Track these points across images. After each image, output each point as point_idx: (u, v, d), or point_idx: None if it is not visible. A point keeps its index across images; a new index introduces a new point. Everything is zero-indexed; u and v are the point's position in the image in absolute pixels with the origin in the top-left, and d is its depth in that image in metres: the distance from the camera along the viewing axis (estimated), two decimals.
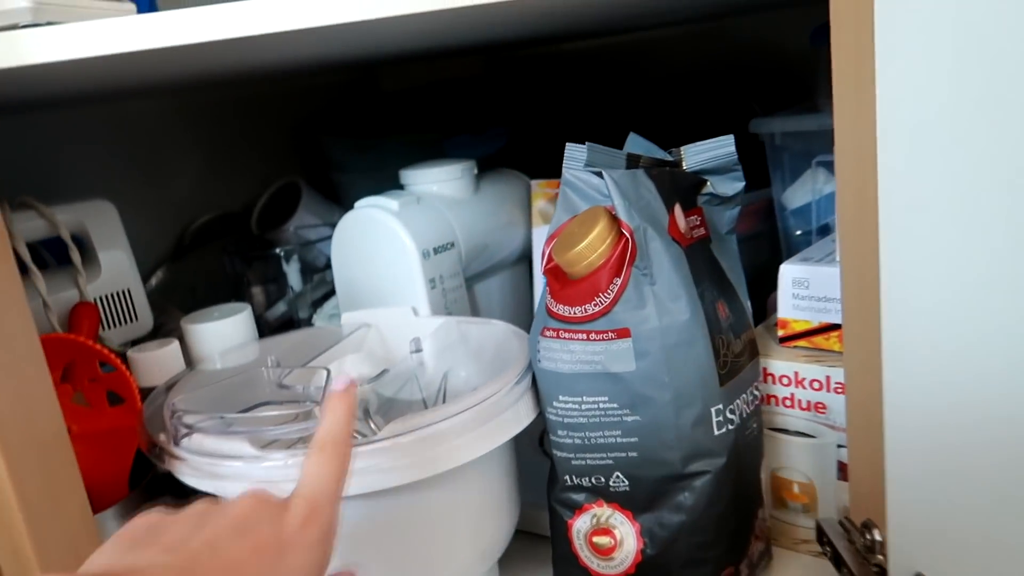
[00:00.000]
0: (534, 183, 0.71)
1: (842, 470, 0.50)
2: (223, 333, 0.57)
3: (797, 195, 0.70)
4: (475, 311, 0.68)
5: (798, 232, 0.70)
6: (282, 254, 0.74)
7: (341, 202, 0.95)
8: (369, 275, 0.62)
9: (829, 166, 0.67)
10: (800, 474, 0.52)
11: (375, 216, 0.61)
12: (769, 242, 0.81)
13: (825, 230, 0.68)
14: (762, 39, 0.89)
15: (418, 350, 0.55)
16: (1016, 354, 0.35)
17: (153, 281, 0.87)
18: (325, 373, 0.45)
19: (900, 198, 0.37)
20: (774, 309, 0.58)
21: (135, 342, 0.61)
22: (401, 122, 1.02)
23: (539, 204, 0.71)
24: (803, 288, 0.51)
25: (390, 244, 0.60)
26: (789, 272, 0.51)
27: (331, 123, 1.02)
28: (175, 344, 0.55)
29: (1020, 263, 0.34)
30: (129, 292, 0.61)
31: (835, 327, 0.50)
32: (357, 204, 0.63)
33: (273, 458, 0.40)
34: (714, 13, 0.80)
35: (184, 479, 0.41)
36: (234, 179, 0.97)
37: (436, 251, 0.61)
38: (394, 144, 0.93)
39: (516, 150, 0.95)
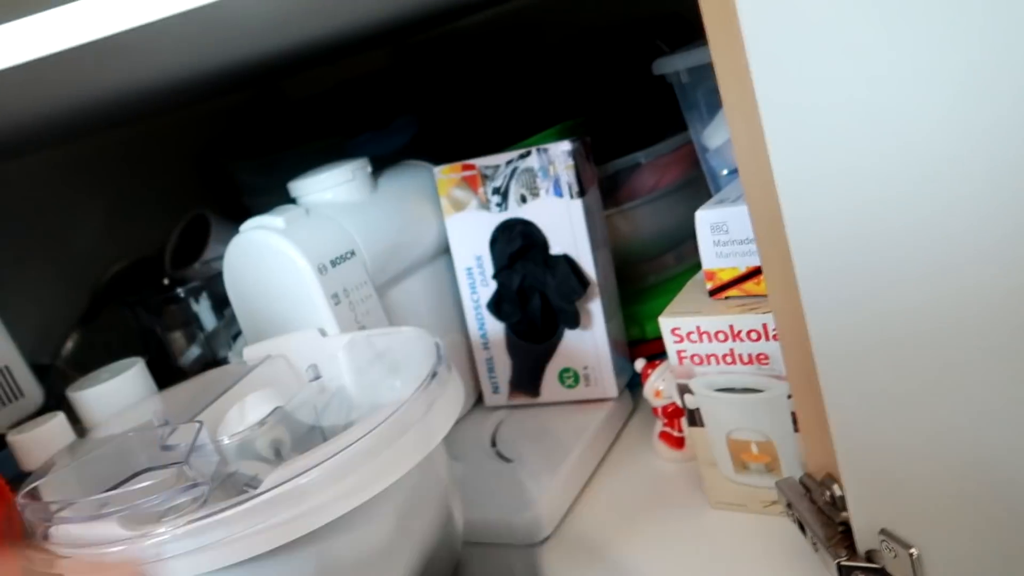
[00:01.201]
0: (436, 170, 0.66)
1: (797, 420, 0.45)
2: (114, 394, 0.52)
3: (717, 133, 0.65)
4: (397, 318, 0.63)
5: (724, 172, 0.65)
6: (183, 294, 0.69)
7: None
8: (268, 301, 0.57)
9: None
10: (756, 433, 0.47)
11: (260, 238, 0.55)
12: (702, 193, 0.76)
13: None
14: None
15: (316, 377, 0.50)
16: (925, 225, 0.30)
17: (70, 345, 0.81)
18: (196, 427, 0.40)
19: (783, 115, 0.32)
20: None
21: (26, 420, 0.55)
22: (307, 132, 0.96)
23: (448, 191, 0.66)
24: (723, 233, 0.46)
25: (281, 265, 0.55)
26: (705, 218, 0.46)
27: (235, 145, 0.96)
28: (59, 418, 0.50)
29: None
30: (8, 369, 0.56)
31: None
32: (241, 228, 0.57)
33: (157, 534, 0.35)
34: None
35: None
36: (143, 221, 0.92)
37: (335, 263, 0.56)
38: (297, 156, 0.87)
39: (429, 139, 0.90)
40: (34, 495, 0.37)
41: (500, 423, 0.66)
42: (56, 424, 0.50)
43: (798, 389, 0.39)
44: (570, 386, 0.65)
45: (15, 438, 0.49)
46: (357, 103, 1.00)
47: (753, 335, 0.45)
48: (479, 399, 0.70)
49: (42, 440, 0.48)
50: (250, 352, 0.55)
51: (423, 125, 0.90)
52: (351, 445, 0.35)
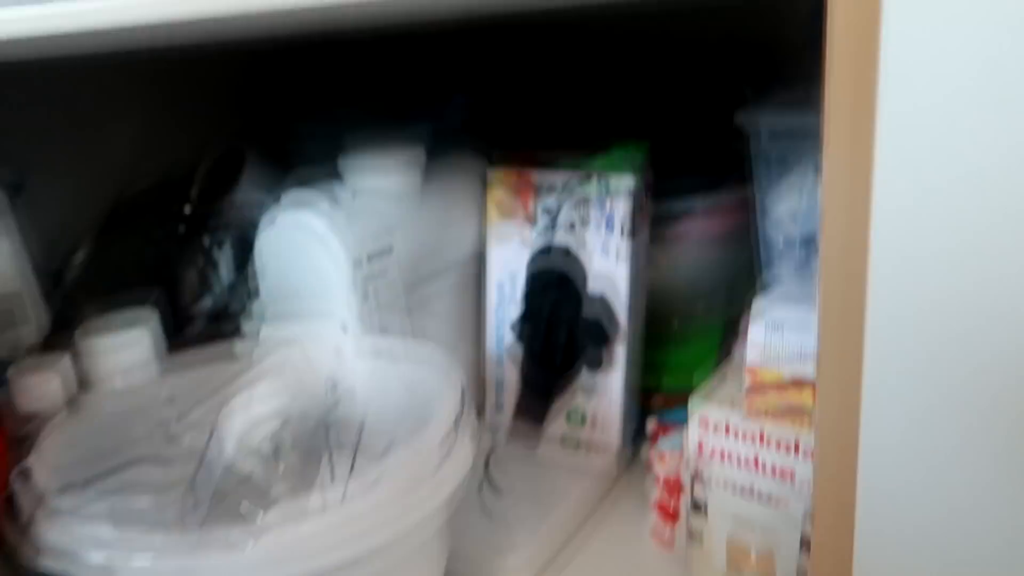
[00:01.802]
0: (490, 172, 0.63)
1: (807, 545, 0.44)
2: (122, 349, 0.50)
3: (782, 199, 0.63)
4: (417, 318, 0.61)
5: (780, 242, 0.63)
6: (208, 240, 0.67)
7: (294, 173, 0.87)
8: (296, 283, 0.55)
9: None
10: (759, 543, 0.46)
11: (302, 219, 0.53)
12: (748, 245, 0.74)
13: (810, 242, 0.61)
14: (763, 10, 0.80)
15: (333, 387, 0.48)
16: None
17: (80, 256, 0.79)
18: (205, 441, 0.38)
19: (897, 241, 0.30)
20: (739, 349, 0.51)
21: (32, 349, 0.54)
22: (362, 83, 0.93)
23: (496, 195, 0.63)
24: (778, 334, 0.44)
25: (318, 251, 0.53)
26: (764, 314, 0.44)
27: (285, 84, 0.93)
28: (64, 363, 0.49)
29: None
30: (19, 295, 0.54)
31: (811, 381, 0.43)
32: (284, 201, 0.55)
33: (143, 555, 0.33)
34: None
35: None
36: (178, 142, 0.89)
37: (371, 258, 0.54)
38: (352, 112, 0.84)
39: (481, 120, 0.86)
40: (26, 474, 0.35)
41: (496, 444, 0.65)
42: (60, 370, 0.48)
43: (823, 521, 0.38)
44: (575, 424, 0.64)
45: (17, 377, 0.47)
46: (419, 66, 0.96)
47: (783, 448, 0.43)
48: (479, 411, 0.68)
49: (43, 386, 0.47)
50: (268, 333, 0.53)
51: (476, 108, 0.86)
52: (358, 494, 0.34)
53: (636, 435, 0.67)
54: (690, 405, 0.46)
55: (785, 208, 0.63)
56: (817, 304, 0.34)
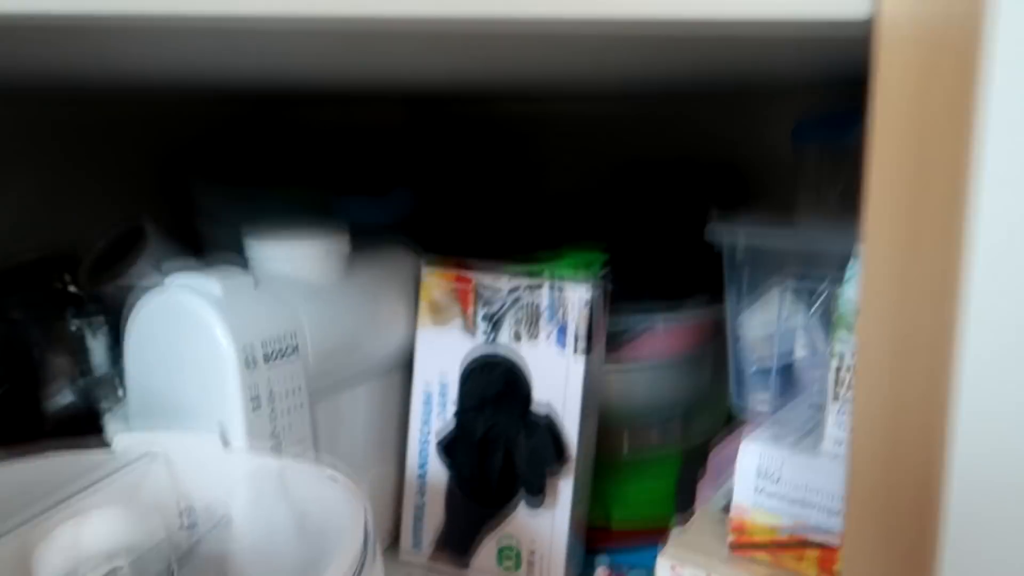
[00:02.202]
0: (426, 269, 0.55)
1: None
2: None
3: (756, 320, 0.56)
4: (325, 432, 0.50)
5: (753, 368, 0.56)
6: (80, 324, 0.56)
7: (204, 256, 0.77)
8: (170, 379, 0.44)
9: (800, 294, 0.53)
10: None
11: (185, 301, 0.43)
12: (708, 373, 0.66)
13: (788, 371, 0.54)
14: (728, 130, 0.76)
15: (191, 525, 0.37)
16: None
17: None
18: None
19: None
20: (710, 491, 0.43)
21: None
22: (293, 170, 0.85)
23: (430, 297, 0.54)
24: (771, 481, 0.35)
25: (201, 342, 0.42)
26: (753, 454, 0.36)
27: (206, 161, 0.84)
28: None
29: None
30: None
31: (816, 544, 0.34)
32: (168, 280, 0.45)
33: None
34: (676, 93, 0.67)
35: None
36: (75, 212, 0.78)
37: (268, 358, 0.44)
38: (278, 197, 0.76)
39: (425, 220, 0.79)
40: None
41: None
42: None
43: None
44: (507, 568, 0.53)
45: None
46: (356, 154, 0.89)
47: None
48: (392, 543, 0.57)
49: None
50: (124, 442, 0.42)
51: (423, 203, 0.79)
52: None
53: None
54: (658, 563, 0.37)
55: (758, 332, 0.56)
56: (848, 447, 0.26)
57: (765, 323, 0.55)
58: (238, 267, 0.47)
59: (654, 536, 0.60)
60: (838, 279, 0.52)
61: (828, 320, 0.54)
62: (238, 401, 0.42)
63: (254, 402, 0.43)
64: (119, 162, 0.83)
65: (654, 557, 0.60)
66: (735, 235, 0.53)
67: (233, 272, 0.46)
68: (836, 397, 0.34)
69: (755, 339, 0.55)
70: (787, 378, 0.54)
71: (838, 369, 0.34)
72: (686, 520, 0.39)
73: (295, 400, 0.46)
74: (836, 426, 0.34)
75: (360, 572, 0.30)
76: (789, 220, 0.54)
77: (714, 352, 0.66)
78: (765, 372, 0.55)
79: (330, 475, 0.39)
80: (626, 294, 0.63)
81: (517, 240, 0.62)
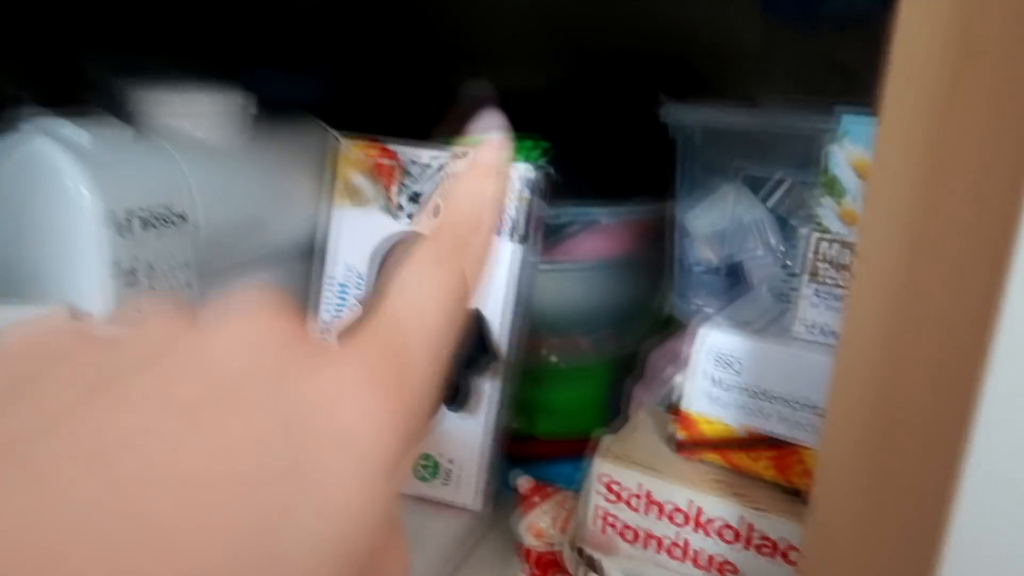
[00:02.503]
0: (345, 142, 0.48)
1: None
2: None
3: (706, 216, 0.51)
4: None
5: (699, 267, 0.51)
6: None
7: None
8: (25, 247, 0.37)
9: (757, 184, 0.49)
10: None
11: (43, 149, 0.35)
12: (648, 277, 0.62)
13: (735, 272, 0.50)
14: (680, 19, 0.70)
15: None
16: None
17: None
18: None
19: None
20: (646, 395, 0.38)
21: None
22: (196, 39, 0.75)
23: (348, 174, 0.48)
24: (729, 371, 0.31)
25: (61, 199, 0.35)
26: (711, 342, 0.31)
27: (94, 27, 0.73)
28: None
29: None
30: None
31: (775, 443, 0.31)
32: (23, 123, 0.37)
33: None
34: None
35: None
36: None
37: (148, 224, 0.37)
38: (178, 66, 0.66)
39: (343, 105, 0.71)
40: None
41: None
42: None
43: None
44: (423, 478, 0.48)
45: None
46: (269, 30, 0.80)
47: (727, 533, 0.30)
48: None
49: None
50: None
51: (342, 86, 0.71)
52: None
53: (500, 492, 0.53)
54: (594, 466, 0.32)
55: (708, 228, 0.51)
56: (842, 330, 0.21)
57: (715, 219, 0.50)
58: (114, 120, 0.39)
59: (581, 447, 0.56)
60: (803, 168, 0.48)
61: (785, 216, 0.50)
62: (106, 272, 0.35)
63: (128, 277, 0.36)
64: None
65: (580, 469, 0.56)
66: (692, 116, 0.47)
67: (107, 121, 0.38)
68: (814, 274, 0.29)
69: (703, 236, 0.51)
70: (734, 279, 0.50)
71: (819, 240, 0.29)
72: (618, 428, 0.35)
73: (181, 278, 0.39)
74: (811, 307, 0.30)
75: None
76: (750, 105, 0.49)
77: (651, 256, 0.61)
78: (712, 272, 0.51)
79: None
80: (567, 189, 0.58)
81: (442, 123, 0.56)
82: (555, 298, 0.56)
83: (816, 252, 0.29)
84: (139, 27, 0.74)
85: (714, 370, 0.31)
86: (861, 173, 0.29)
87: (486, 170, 0.20)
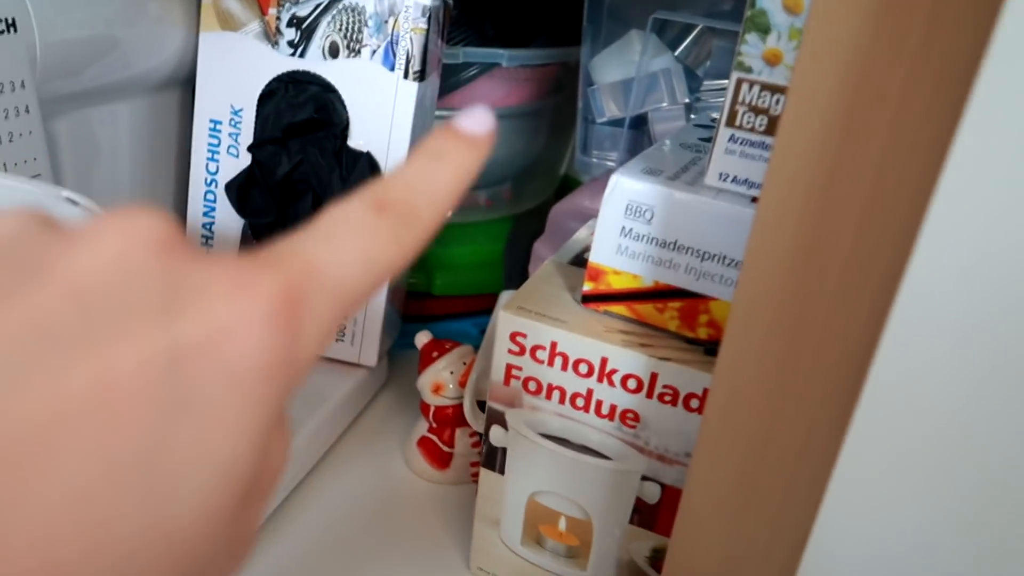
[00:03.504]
0: None
1: (640, 511, 0.31)
2: None
3: (610, 65, 0.49)
4: (69, 165, 0.38)
5: (602, 119, 0.49)
6: None
7: None
8: None
9: (666, 31, 0.47)
10: (573, 507, 0.33)
11: None
12: (550, 129, 0.60)
13: (640, 123, 0.48)
14: None
15: None
16: None
17: None
18: None
19: None
20: (552, 254, 0.37)
21: None
22: None
23: None
24: (641, 221, 0.30)
25: None
26: (624, 189, 0.30)
27: None
28: None
29: None
30: None
31: (680, 294, 0.30)
32: None
33: None
34: None
35: None
36: None
37: None
38: None
39: None
40: None
41: None
42: None
43: (696, 491, 0.25)
44: None
45: None
46: None
47: (631, 383, 0.30)
48: None
49: None
50: None
51: None
52: None
53: (397, 349, 0.51)
54: (499, 318, 0.31)
55: (613, 77, 0.49)
56: (765, 185, 0.20)
57: (622, 66, 0.48)
58: None
59: (479, 304, 0.55)
60: (714, 14, 0.46)
61: (693, 66, 0.48)
62: None
63: None
64: None
65: (478, 326, 0.56)
66: None
67: None
68: (732, 121, 0.28)
69: (608, 86, 0.48)
70: (638, 133, 0.49)
71: (740, 82, 0.27)
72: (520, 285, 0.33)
73: (15, 100, 0.33)
74: (726, 155, 0.28)
75: None
76: None
77: (554, 108, 0.59)
78: (616, 123, 0.49)
79: (67, 197, 0.28)
80: (466, 28, 0.53)
81: None
82: None
83: (736, 96, 0.28)
84: None
85: (624, 220, 0.30)
86: (791, 8, 0.27)
87: (463, 144, 0.17)
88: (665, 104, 0.47)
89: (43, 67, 0.34)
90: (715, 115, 0.44)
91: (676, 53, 0.47)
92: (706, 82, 0.47)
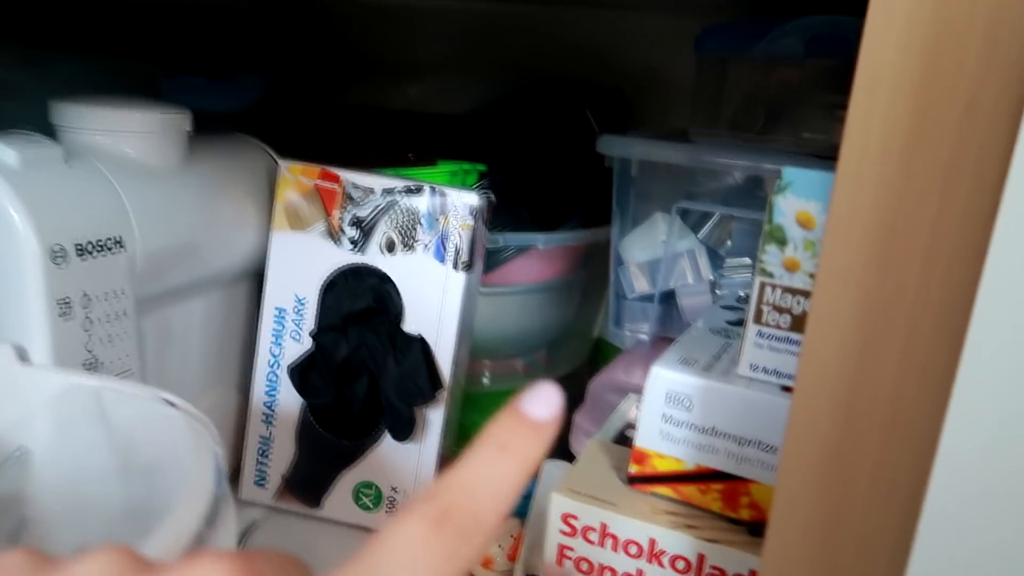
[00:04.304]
0: (283, 165, 0.47)
1: None
2: None
3: (638, 245, 0.53)
4: (152, 349, 0.42)
5: (634, 294, 0.53)
6: None
7: None
8: None
9: (689, 214, 0.51)
10: None
11: None
12: (580, 299, 0.64)
13: (668, 297, 0.52)
14: (608, 46, 0.72)
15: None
16: None
17: None
18: None
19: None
20: (592, 427, 0.40)
21: None
22: (109, 39, 0.71)
23: (288, 197, 0.47)
24: (682, 409, 0.32)
25: None
26: (664, 381, 0.33)
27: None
28: None
29: None
30: None
31: (723, 477, 0.32)
32: None
33: None
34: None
35: None
36: None
37: (84, 251, 0.35)
38: (87, 66, 0.63)
39: (270, 115, 0.69)
40: None
41: (253, 526, 0.47)
42: None
43: None
44: (366, 507, 0.48)
45: None
46: (189, 33, 0.77)
47: (680, 563, 0.31)
48: (231, 480, 0.50)
49: None
50: None
51: (269, 94, 0.69)
52: None
53: None
54: (552, 501, 0.33)
55: (641, 256, 0.53)
56: (805, 339, 0.23)
57: (649, 247, 0.52)
58: (43, 137, 0.37)
59: None
60: (731, 203, 0.50)
61: (715, 246, 0.52)
62: (40, 304, 0.33)
63: (62, 307, 0.34)
64: None
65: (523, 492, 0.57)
66: (628, 148, 0.49)
67: (36, 141, 0.36)
68: (759, 318, 0.31)
69: (638, 264, 0.52)
70: (667, 307, 0.52)
71: (763, 286, 0.31)
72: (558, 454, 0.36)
73: (117, 306, 0.37)
74: (755, 348, 0.31)
75: (214, 521, 0.24)
76: (683, 138, 0.51)
77: (583, 278, 0.63)
78: (646, 299, 0.52)
79: (164, 398, 0.32)
80: (502, 213, 0.59)
81: (380, 146, 0.56)
82: (490, 322, 0.57)
83: (761, 297, 0.31)
84: (42, 24, 0.70)
85: (665, 407, 0.32)
86: (804, 224, 0.31)
87: (529, 433, 0.17)
88: (691, 281, 0.51)
89: (140, 276, 0.39)
90: (741, 293, 0.48)
91: (699, 235, 0.52)
92: (728, 260, 0.51)
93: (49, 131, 0.38)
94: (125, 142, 0.40)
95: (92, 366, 0.36)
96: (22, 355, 0.33)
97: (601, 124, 0.65)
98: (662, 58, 0.67)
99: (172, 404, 0.31)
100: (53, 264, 0.34)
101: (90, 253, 0.35)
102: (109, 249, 0.36)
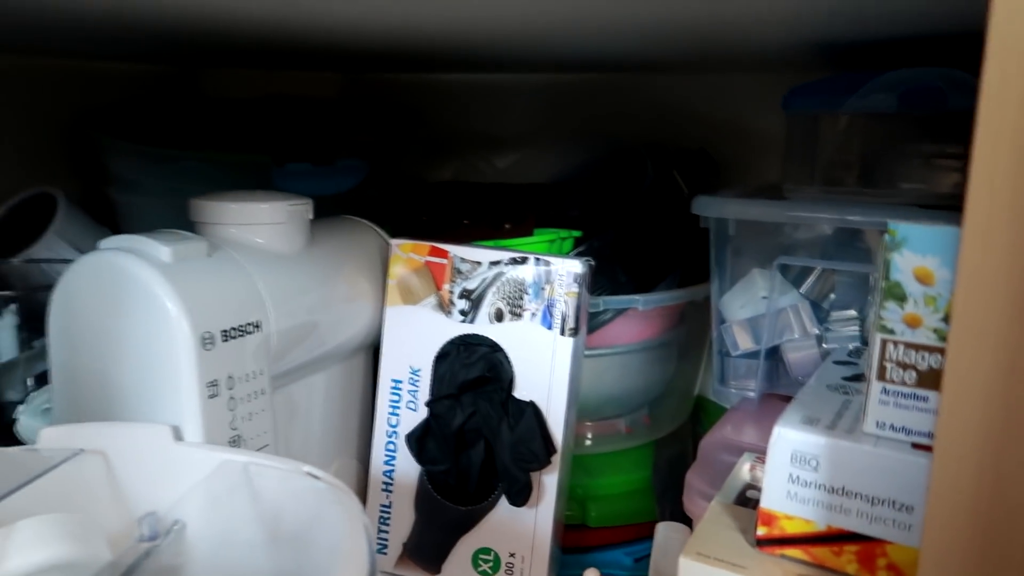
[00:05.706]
0: (396, 243, 0.50)
1: None
2: None
3: (738, 302, 0.53)
4: (283, 427, 0.45)
5: (738, 351, 0.53)
6: None
7: (120, 231, 0.68)
8: (106, 363, 0.38)
9: (788, 269, 0.51)
10: None
11: (127, 268, 0.37)
12: (679, 357, 0.64)
13: (772, 353, 0.52)
14: (696, 108, 0.74)
15: (151, 536, 0.31)
16: None
17: None
18: None
19: None
20: (705, 486, 0.40)
21: None
22: (222, 136, 0.77)
23: (399, 273, 0.49)
24: (808, 469, 0.32)
25: (147, 318, 0.36)
26: (787, 440, 0.33)
27: (120, 122, 0.75)
28: None
29: None
30: None
31: (856, 538, 0.32)
32: (102, 244, 0.38)
33: None
34: (636, 64, 0.64)
35: None
36: None
37: (228, 336, 0.38)
38: (206, 162, 0.68)
39: (370, 194, 0.73)
40: None
41: None
42: None
43: None
44: (485, 573, 0.48)
45: None
46: (291, 126, 0.82)
47: None
48: None
49: None
50: (52, 437, 0.35)
51: (371, 178, 0.73)
52: None
53: None
54: (680, 566, 0.33)
55: (743, 313, 0.53)
56: (939, 411, 0.23)
57: (750, 303, 0.52)
58: (187, 233, 0.41)
59: (633, 532, 0.57)
60: (830, 255, 0.50)
61: (818, 300, 0.52)
62: (193, 387, 0.36)
63: (211, 388, 0.37)
64: (24, 125, 0.73)
65: (635, 554, 0.57)
66: (725, 208, 0.50)
67: (182, 236, 0.39)
68: (883, 375, 0.31)
69: (739, 321, 0.53)
70: (772, 363, 0.52)
71: (885, 343, 0.31)
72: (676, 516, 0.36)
73: (256, 385, 0.40)
74: (880, 405, 0.31)
75: None
76: (776, 195, 0.51)
77: (682, 336, 0.63)
78: (750, 355, 0.52)
79: (307, 471, 0.34)
80: (599, 276, 0.60)
81: (477, 218, 0.58)
82: (592, 383, 0.58)
83: (883, 354, 0.31)
84: (158, 126, 0.76)
85: (791, 467, 0.32)
86: (922, 279, 0.31)
87: None
88: (797, 335, 0.51)
89: (274, 355, 0.41)
90: (851, 347, 0.47)
91: (801, 289, 0.52)
92: (833, 313, 0.51)
93: (173, 222, 0.42)
94: (256, 233, 0.43)
95: (236, 442, 0.38)
96: (177, 435, 0.36)
97: (688, 184, 0.66)
98: (744, 115, 0.69)
99: (315, 476, 0.33)
100: (204, 349, 0.37)
101: (233, 338, 0.38)
102: (249, 333, 0.39)
